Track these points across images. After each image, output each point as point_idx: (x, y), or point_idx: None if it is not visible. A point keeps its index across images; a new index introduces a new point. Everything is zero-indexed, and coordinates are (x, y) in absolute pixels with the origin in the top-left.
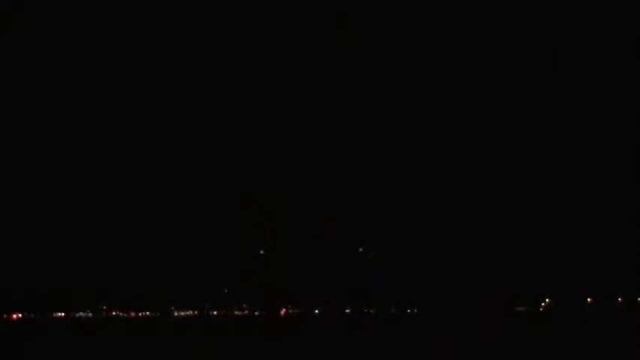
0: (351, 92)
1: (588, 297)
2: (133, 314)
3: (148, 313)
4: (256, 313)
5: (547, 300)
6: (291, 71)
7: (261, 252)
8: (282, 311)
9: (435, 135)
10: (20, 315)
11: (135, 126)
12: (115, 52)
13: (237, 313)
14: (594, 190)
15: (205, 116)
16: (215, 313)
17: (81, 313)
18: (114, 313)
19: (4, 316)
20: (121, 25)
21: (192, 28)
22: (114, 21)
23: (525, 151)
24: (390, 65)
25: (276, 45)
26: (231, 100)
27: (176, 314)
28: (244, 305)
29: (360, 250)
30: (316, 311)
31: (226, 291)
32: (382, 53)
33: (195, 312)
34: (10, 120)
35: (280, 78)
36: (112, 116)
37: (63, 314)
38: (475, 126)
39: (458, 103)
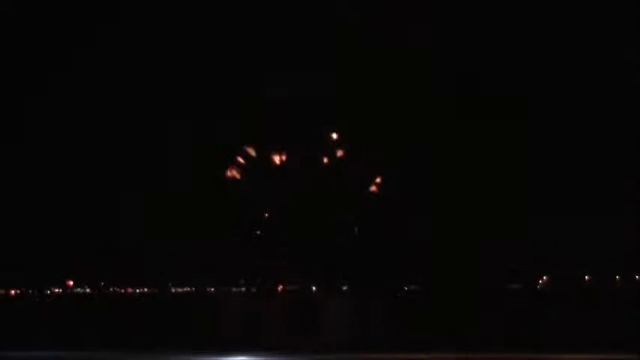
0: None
1: (586, 275)
2: (130, 290)
3: (145, 289)
4: (253, 290)
5: (544, 277)
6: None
7: (258, 232)
8: (280, 288)
9: (435, 126)
10: (18, 291)
11: (133, 120)
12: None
13: (234, 289)
14: (592, 168)
15: (201, 113)
16: (212, 289)
17: (78, 289)
18: (111, 289)
19: (1, 291)
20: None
21: (188, 28)
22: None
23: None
24: (390, 64)
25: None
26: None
27: (173, 290)
28: (241, 282)
29: (356, 229)
30: (313, 288)
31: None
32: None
33: (193, 289)
34: None
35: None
36: (112, 111)
37: (60, 290)
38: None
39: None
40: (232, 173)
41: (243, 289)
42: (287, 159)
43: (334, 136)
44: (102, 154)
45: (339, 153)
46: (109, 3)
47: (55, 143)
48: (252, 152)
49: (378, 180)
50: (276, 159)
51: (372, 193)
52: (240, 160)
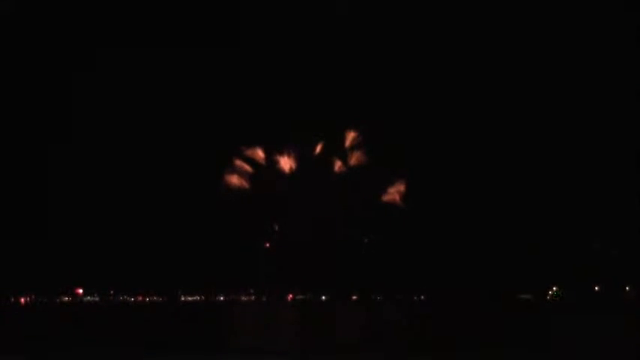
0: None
1: (596, 285)
2: (140, 299)
3: (155, 297)
4: (263, 298)
5: (554, 288)
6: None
7: (267, 245)
8: (289, 297)
9: (440, 130)
10: (29, 299)
11: (142, 126)
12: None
13: (243, 298)
14: (600, 180)
15: (210, 118)
16: (222, 298)
17: (88, 298)
18: (121, 298)
19: (13, 299)
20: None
21: (194, 29)
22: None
23: (530, 145)
24: (390, 64)
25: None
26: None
27: (183, 299)
28: (251, 291)
29: (366, 240)
30: (323, 297)
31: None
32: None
33: (202, 297)
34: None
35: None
36: (114, 119)
37: (70, 298)
38: (479, 122)
39: (457, 100)
40: (235, 180)
41: (253, 297)
42: (296, 164)
43: (351, 136)
44: (111, 166)
45: (354, 158)
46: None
47: (61, 153)
48: (258, 156)
49: (401, 188)
50: (285, 165)
51: (393, 202)
52: (243, 165)
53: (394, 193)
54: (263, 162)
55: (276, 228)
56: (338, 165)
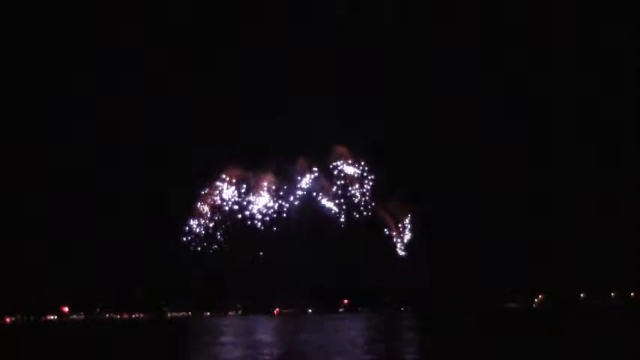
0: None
1: (581, 292)
2: (126, 315)
3: (142, 314)
4: (248, 314)
5: (540, 296)
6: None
7: (261, 254)
8: (276, 311)
9: (431, 136)
10: (13, 318)
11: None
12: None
13: (230, 313)
14: (587, 187)
15: (191, 140)
16: (208, 314)
17: (74, 316)
18: (107, 315)
19: None
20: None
21: (187, 26)
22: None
23: (519, 148)
24: (390, 65)
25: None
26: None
27: (170, 315)
28: (238, 305)
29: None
30: (310, 310)
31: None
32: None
33: (189, 313)
34: None
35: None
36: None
37: (56, 317)
38: (470, 127)
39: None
40: (208, 207)
41: (240, 312)
42: (279, 182)
43: (339, 152)
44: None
45: (342, 175)
46: None
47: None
48: (238, 176)
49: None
50: (268, 183)
51: (382, 218)
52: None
53: (380, 209)
54: (244, 181)
55: (261, 253)
56: (323, 183)
